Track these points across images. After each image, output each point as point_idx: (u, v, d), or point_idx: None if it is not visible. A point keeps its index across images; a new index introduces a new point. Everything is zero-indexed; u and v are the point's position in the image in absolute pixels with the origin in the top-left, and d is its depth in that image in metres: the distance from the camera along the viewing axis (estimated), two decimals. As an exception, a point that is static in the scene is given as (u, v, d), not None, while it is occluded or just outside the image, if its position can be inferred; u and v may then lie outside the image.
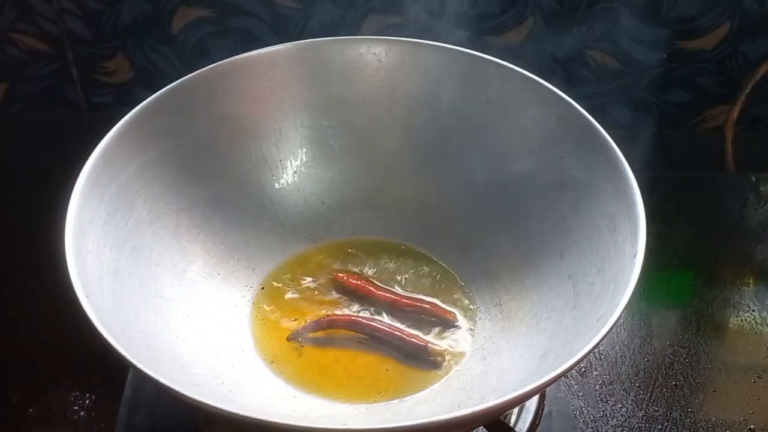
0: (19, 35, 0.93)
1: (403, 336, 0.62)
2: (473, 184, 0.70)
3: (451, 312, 0.66)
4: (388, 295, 0.67)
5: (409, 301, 0.66)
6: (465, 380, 0.62)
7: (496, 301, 0.66)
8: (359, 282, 0.67)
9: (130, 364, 0.47)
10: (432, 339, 0.64)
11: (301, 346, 0.64)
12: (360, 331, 0.64)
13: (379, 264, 0.70)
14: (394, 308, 0.66)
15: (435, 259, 0.70)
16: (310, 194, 0.72)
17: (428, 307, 0.66)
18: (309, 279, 0.69)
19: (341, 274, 0.68)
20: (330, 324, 0.64)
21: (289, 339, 0.64)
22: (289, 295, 0.68)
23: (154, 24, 0.93)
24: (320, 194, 0.73)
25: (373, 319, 0.64)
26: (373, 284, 0.67)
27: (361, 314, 0.66)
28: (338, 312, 0.66)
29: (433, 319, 0.65)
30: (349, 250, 0.71)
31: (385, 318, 0.66)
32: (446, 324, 0.65)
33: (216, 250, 0.67)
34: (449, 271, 0.69)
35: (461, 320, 0.66)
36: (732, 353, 0.71)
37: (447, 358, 0.63)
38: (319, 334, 0.64)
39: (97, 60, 0.95)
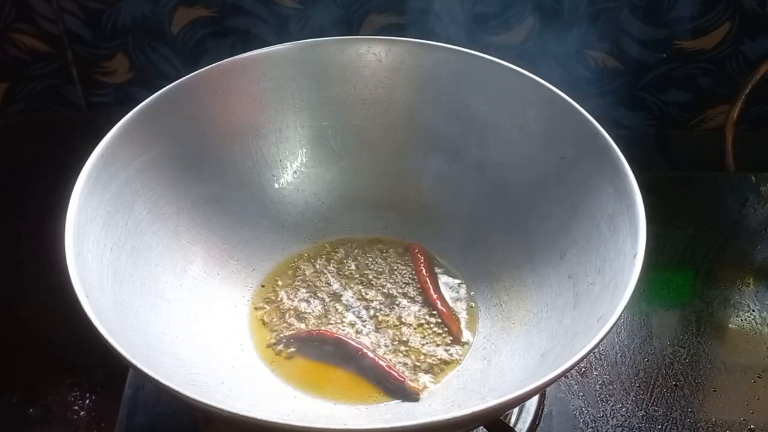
0: (19, 35, 0.93)
1: (384, 368, 0.61)
2: (473, 183, 0.70)
3: (460, 331, 0.65)
4: (427, 283, 0.67)
5: (436, 296, 0.66)
6: (465, 380, 0.62)
7: (496, 301, 0.66)
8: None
9: (130, 364, 0.47)
10: (429, 346, 0.64)
11: (287, 352, 0.63)
12: (346, 351, 0.63)
13: (379, 264, 0.70)
14: (427, 294, 0.67)
15: (435, 258, 0.70)
16: (310, 194, 0.72)
17: (445, 311, 0.66)
18: (309, 279, 0.69)
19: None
20: (319, 336, 0.64)
21: (275, 344, 0.64)
22: (288, 295, 0.68)
23: (154, 24, 0.92)
24: (320, 194, 0.73)
25: (361, 344, 0.63)
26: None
27: (360, 316, 0.66)
28: (333, 320, 0.66)
29: (442, 324, 0.65)
30: (349, 250, 0.71)
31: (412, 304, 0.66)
32: (450, 336, 0.65)
33: (216, 250, 0.67)
34: (449, 270, 0.69)
35: (461, 319, 0.66)
36: (732, 353, 0.71)
37: (444, 363, 0.63)
38: (308, 345, 0.64)
39: (97, 60, 0.95)
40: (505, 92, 0.67)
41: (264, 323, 0.66)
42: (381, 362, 0.62)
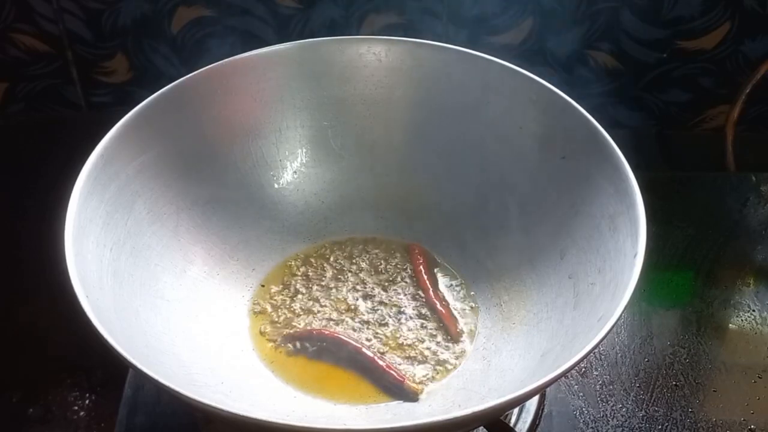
0: (19, 35, 0.93)
1: (384, 368, 0.61)
2: (473, 183, 0.70)
3: (460, 332, 0.65)
4: (427, 283, 0.67)
5: (436, 297, 0.66)
6: (465, 380, 0.62)
7: (496, 301, 0.66)
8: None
9: (130, 364, 0.47)
10: (425, 348, 0.64)
11: (287, 352, 0.64)
12: (346, 351, 0.63)
13: (379, 264, 0.70)
14: (427, 294, 0.67)
15: (435, 258, 0.70)
16: (310, 194, 0.72)
17: (445, 312, 0.66)
18: (309, 279, 0.69)
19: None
20: (319, 336, 0.64)
21: (275, 344, 0.64)
22: (288, 296, 0.68)
23: (154, 24, 0.93)
24: (320, 194, 0.73)
25: (360, 344, 0.63)
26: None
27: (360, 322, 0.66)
28: (333, 320, 0.66)
29: (441, 325, 0.65)
30: (349, 250, 0.71)
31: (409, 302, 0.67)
32: (449, 336, 0.65)
33: (216, 250, 0.67)
34: (449, 270, 0.69)
35: (461, 319, 0.66)
36: (732, 353, 0.71)
37: (444, 363, 0.63)
38: (307, 344, 0.64)
39: (97, 60, 0.95)
40: (505, 92, 0.67)
41: (264, 323, 0.66)
42: (381, 362, 0.62)
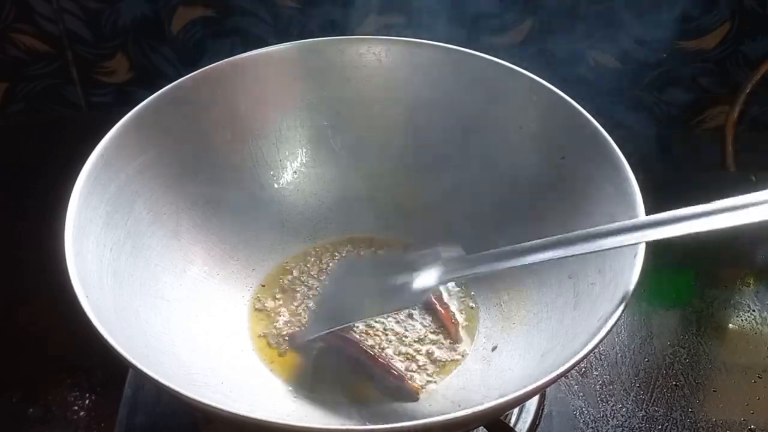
0: (19, 35, 0.93)
1: (384, 367, 0.61)
2: (473, 183, 0.70)
3: (460, 332, 0.65)
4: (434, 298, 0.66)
5: (435, 296, 0.66)
6: (465, 380, 0.62)
7: (496, 301, 0.66)
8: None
9: (130, 364, 0.47)
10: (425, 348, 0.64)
11: (287, 352, 0.64)
12: (346, 351, 0.63)
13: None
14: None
15: (435, 259, 0.70)
16: (310, 194, 0.72)
17: (444, 312, 0.66)
18: (309, 279, 0.69)
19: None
20: (319, 336, 0.64)
21: (275, 344, 0.64)
22: (288, 295, 0.68)
23: (154, 24, 0.93)
24: (320, 194, 0.73)
25: (360, 344, 0.63)
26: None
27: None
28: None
29: (441, 325, 0.65)
30: (349, 250, 0.71)
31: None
32: (449, 336, 0.65)
33: (216, 250, 0.67)
34: (449, 271, 0.69)
35: (461, 319, 0.66)
36: (732, 353, 0.71)
37: (444, 363, 0.63)
38: (307, 344, 0.64)
39: (97, 60, 0.96)
40: (505, 92, 0.67)
41: (264, 323, 0.66)
42: (381, 361, 0.62)
